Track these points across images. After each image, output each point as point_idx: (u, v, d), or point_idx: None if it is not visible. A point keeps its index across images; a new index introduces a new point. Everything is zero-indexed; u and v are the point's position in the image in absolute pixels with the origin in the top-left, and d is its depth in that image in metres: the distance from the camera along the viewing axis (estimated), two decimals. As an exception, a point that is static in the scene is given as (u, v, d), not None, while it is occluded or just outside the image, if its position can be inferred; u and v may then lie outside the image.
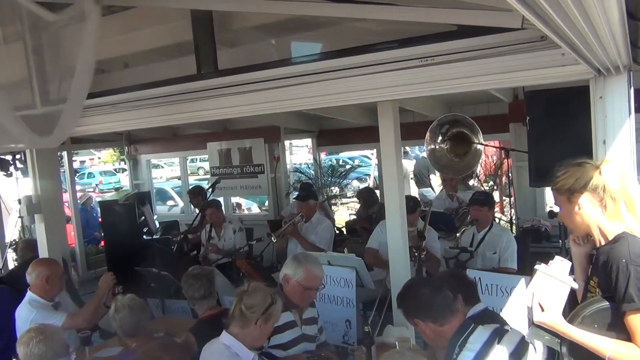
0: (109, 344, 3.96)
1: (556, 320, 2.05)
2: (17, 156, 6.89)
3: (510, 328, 2.52)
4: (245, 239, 6.34)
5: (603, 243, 2.11)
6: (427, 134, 5.94)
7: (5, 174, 7.32)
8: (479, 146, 5.92)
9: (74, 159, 11.18)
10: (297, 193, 6.89)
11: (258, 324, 2.71)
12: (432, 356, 2.88)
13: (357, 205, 8.80)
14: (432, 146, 6.02)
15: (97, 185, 24.94)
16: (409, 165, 12.03)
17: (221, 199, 8.03)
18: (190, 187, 9.11)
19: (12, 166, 7.14)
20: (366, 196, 7.45)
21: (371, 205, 7.09)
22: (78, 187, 12.12)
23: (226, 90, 3.34)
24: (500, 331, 2.45)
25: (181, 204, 11.67)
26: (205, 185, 9.79)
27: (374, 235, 5.10)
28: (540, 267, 2.15)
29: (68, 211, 8.84)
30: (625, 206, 2.08)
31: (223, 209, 7.10)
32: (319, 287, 3.34)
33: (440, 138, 5.95)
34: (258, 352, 2.90)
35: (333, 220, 7.49)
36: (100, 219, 9.20)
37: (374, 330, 3.55)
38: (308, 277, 3.24)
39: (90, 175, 26.58)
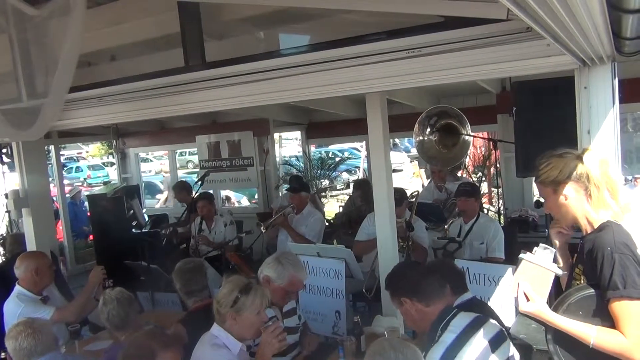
0: (99, 338, 3.97)
1: (541, 309, 2.07)
2: (4, 150, 6.83)
3: (491, 320, 2.55)
4: (236, 231, 6.34)
5: (589, 232, 2.12)
6: (416, 126, 5.96)
7: (-9, 168, 7.26)
8: (467, 137, 5.95)
9: (61, 153, 11.08)
10: (287, 186, 6.88)
11: (231, 318, 2.69)
12: (421, 345, 2.92)
13: (347, 198, 8.82)
14: (421, 138, 6.04)
15: (85, 179, 24.76)
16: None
17: (210, 192, 8.01)
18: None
19: (-1, 160, 7.08)
20: (364, 188, 7.42)
21: (368, 198, 7.00)
22: (66, 182, 12.03)
23: (214, 82, 3.33)
24: (481, 319, 2.49)
25: (170, 197, 11.62)
26: (195, 178, 9.76)
27: (362, 227, 5.11)
28: (525, 256, 2.18)
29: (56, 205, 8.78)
30: (608, 193, 2.10)
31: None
32: (301, 288, 3.36)
33: (428, 130, 5.97)
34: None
35: (323, 213, 7.50)
36: (89, 213, 9.15)
37: (363, 321, 3.57)
38: (292, 282, 3.25)
39: (78, 169, 26.37)
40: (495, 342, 2.42)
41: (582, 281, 2.14)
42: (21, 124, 3.47)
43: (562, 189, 2.11)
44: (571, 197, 2.11)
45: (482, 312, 2.66)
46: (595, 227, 2.10)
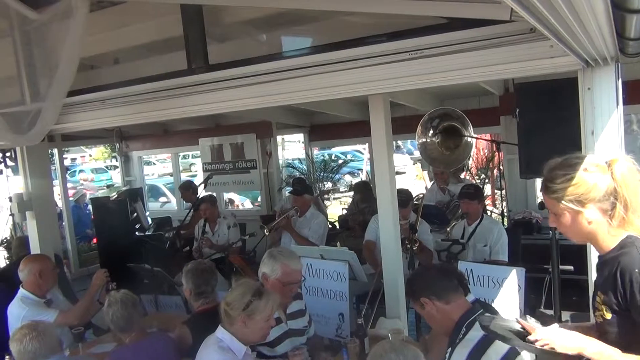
0: (103, 340, 3.97)
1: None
2: (7, 154, 6.85)
3: None
4: (239, 234, 6.34)
5: (606, 251, 1.86)
6: (419, 128, 5.97)
7: (-5, 171, 7.28)
8: (469, 139, 5.95)
9: (64, 156, 11.11)
10: (290, 188, 6.89)
11: (242, 321, 2.67)
12: (424, 348, 2.91)
13: (350, 200, 8.83)
14: (424, 140, 6.05)
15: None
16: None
17: (213, 195, 8.02)
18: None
19: (3, 164, 7.10)
20: (364, 190, 7.46)
21: (369, 199, 7.06)
22: (69, 185, 12.06)
23: (217, 85, 3.34)
24: None
25: (173, 200, 11.66)
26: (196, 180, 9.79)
27: (370, 227, 5.10)
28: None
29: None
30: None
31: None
32: (299, 280, 3.31)
33: (431, 132, 5.98)
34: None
35: (326, 215, 7.51)
36: (92, 216, 9.18)
37: (367, 323, 3.56)
38: (286, 272, 3.18)
39: (81, 172, 26.42)
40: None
41: (604, 311, 1.88)
42: (21, 128, 3.48)
43: (587, 212, 1.79)
44: (596, 220, 1.80)
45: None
46: (612, 246, 1.83)
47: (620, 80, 2.38)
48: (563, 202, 1.81)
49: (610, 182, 1.76)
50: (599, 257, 1.88)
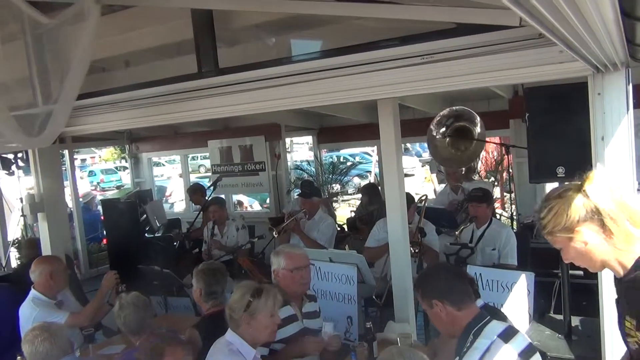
0: (113, 342, 3.99)
1: None
2: (19, 155, 6.91)
3: (519, 331, 2.51)
4: (248, 236, 6.36)
5: (623, 274, 1.80)
6: (431, 125, 5.97)
7: (7, 172, 7.34)
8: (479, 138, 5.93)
9: (74, 157, 11.18)
10: (298, 190, 6.90)
11: (245, 322, 2.70)
12: (432, 352, 2.91)
13: (358, 202, 8.82)
14: (435, 140, 6.05)
15: (98, 183, 24.95)
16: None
17: (222, 197, 8.04)
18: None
19: (14, 165, 7.16)
20: (371, 192, 7.45)
21: (376, 201, 7.04)
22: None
23: (227, 88, 3.36)
24: (513, 330, 2.45)
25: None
26: (207, 182, 9.82)
27: (372, 234, 5.09)
28: None
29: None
30: (629, 224, 1.74)
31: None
32: (306, 265, 3.36)
33: (443, 129, 5.98)
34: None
35: (334, 218, 7.50)
36: (102, 218, 9.23)
37: (376, 327, 3.56)
38: (290, 259, 3.28)
39: (91, 173, 26.57)
40: (526, 354, 2.36)
41: (638, 337, 1.78)
42: (33, 131, 3.52)
43: (579, 235, 1.77)
44: (592, 240, 1.76)
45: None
46: (630, 266, 1.77)
47: (630, 85, 2.37)
48: (556, 234, 1.81)
49: (586, 201, 1.74)
50: (620, 279, 1.82)
